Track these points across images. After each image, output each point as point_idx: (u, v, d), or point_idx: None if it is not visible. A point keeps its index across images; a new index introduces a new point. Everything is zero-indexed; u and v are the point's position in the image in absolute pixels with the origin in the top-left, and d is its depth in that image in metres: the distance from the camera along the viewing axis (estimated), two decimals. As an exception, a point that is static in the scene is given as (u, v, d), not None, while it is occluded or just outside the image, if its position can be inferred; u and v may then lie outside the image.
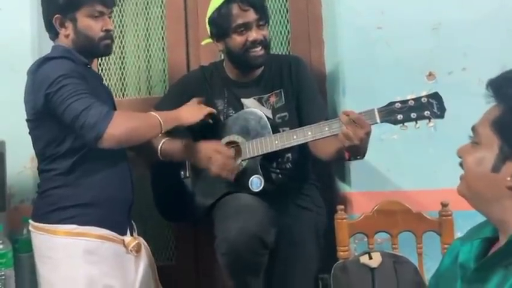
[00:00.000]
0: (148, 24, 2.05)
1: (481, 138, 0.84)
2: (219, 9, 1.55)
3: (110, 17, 1.49)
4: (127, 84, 2.04)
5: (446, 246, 1.53)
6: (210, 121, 1.59)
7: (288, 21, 1.99)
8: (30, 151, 1.63)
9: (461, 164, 0.89)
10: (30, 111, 1.43)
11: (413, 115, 1.37)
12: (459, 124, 1.67)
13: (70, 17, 1.43)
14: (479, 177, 0.83)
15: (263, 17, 1.57)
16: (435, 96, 1.38)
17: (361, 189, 1.76)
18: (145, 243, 1.54)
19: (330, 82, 1.89)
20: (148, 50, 2.05)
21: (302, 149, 1.64)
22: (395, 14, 1.75)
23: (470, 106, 1.66)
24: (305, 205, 1.65)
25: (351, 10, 1.79)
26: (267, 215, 1.45)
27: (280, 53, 1.96)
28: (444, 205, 1.55)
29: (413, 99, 1.39)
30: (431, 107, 1.36)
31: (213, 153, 1.47)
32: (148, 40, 2.05)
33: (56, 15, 1.43)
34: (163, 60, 2.03)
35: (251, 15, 1.54)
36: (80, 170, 1.41)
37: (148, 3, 2.05)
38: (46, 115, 1.38)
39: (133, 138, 1.39)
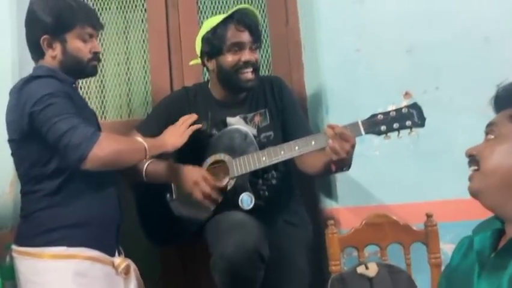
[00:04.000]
0: (128, 47, 2.06)
1: (501, 131, 0.89)
2: (215, 28, 1.58)
3: (97, 39, 1.50)
4: (108, 106, 2.02)
5: (433, 256, 1.58)
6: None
7: (269, 45, 2.05)
8: (9, 176, 1.57)
9: (471, 162, 0.93)
10: (14, 131, 1.38)
11: (396, 125, 1.43)
12: (435, 139, 1.80)
13: (60, 38, 1.42)
14: (501, 165, 0.87)
15: (257, 40, 1.61)
16: (415, 106, 1.44)
17: (346, 204, 1.79)
18: (134, 265, 1.50)
19: (312, 102, 1.95)
20: (128, 73, 2.05)
21: (287, 166, 1.67)
22: (371, 37, 1.85)
23: (444, 122, 1.79)
24: (293, 221, 1.67)
25: (330, 34, 1.87)
26: (261, 229, 1.45)
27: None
28: (429, 216, 1.60)
29: (394, 110, 1.44)
30: (411, 116, 1.42)
31: (200, 180, 1.48)
32: (128, 63, 2.06)
33: (44, 36, 1.41)
34: (146, 83, 2.03)
35: (246, 37, 1.58)
36: (68, 190, 1.37)
37: (127, 27, 2.07)
38: (31, 134, 1.34)
39: (118, 161, 1.37)
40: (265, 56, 2.06)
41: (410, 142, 1.80)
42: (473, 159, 0.93)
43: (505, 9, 1.84)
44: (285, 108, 1.69)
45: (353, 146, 1.39)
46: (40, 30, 1.42)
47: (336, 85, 1.85)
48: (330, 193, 1.84)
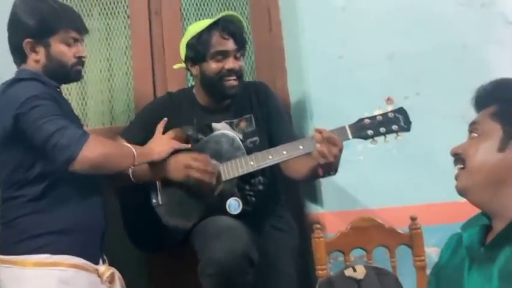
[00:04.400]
0: (111, 54, 2.04)
1: (484, 129, 0.92)
2: (199, 34, 1.58)
3: (82, 44, 1.48)
4: (90, 113, 1.99)
5: (417, 258, 1.60)
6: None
7: (252, 52, 2.07)
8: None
9: (456, 161, 0.95)
10: None
11: (382, 129, 1.45)
12: (416, 144, 1.84)
13: (43, 42, 1.39)
14: (486, 162, 0.89)
15: (241, 48, 1.61)
16: (401, 111, 1.47)
17: (332, 209, 1.80)
18: (119, 273, 1.46)
19: (296, 108, 1.96)
20: (111, 79, 2.03)
21: (273, 171, 1.67)
22: (354, 44, 1.88)
23: (425, 127, 1.83)
24: (280, 226, 1.67)
25: (313, 42, 1.90)
26: (249, 234, 1.44)
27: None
28: (413, 219, 1.62)
29: (380, 114, 1.47)
30: (398, 121, 1.45)
31: (191, 161, 1.46)
32: (111, 70, 2.04)
33: (27, 40, 1.39)
34: (129, 90, 2.01)
35: (230, 45, 1.58)
36: (52, 195, 1.34)
37: (110, 34, 2.05)
38: (15, 138, 1.31)
39: (106, 165, 1.35)
40: (249, 63, 2.07)
41: (392, 147, 1.82)
42: (459, 157, 0.95)
43: (481, 17, 1.90)
44: (270, 113, 1.69)
45: (340, 150, 1.40)
46: (23, 33, 1.39)
47: (320, 92, 1.87)
48: (316, 198, 1.85)
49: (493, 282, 0.83)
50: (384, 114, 1.46)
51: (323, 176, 1.50)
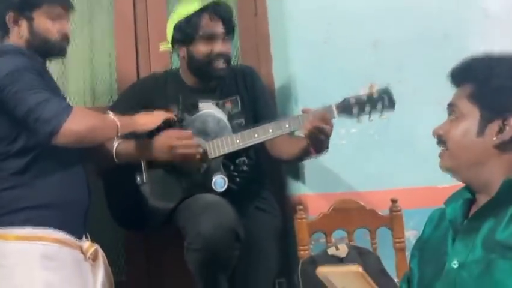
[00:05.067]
0: (93, 33, 2.00)
1: (462, 110, 0.93)
2: (188, 17, 1.58)
3: (67, 20, 1.45)
4: (71, 92, 1.95)
5: (397, 240, 1.64)
6: (169, 125, 1.57)
7: (238, 37, 2.06)
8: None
9: (439, 142, 0.96)
10: None
11: (367, 108, 1.48)
12: (398, 130, 1.88)
13: (26, 15, 1.37)
14: (466, 145, 0.91)
15: (230, 32, 1.62)
16: (386, 91, 1.50)
17: (314, 191, 1.83)
18: (102, 251, 1.45)
19: (281, 93, 1.97)
20: (93, 59, 1.99)
21: (257, 153, 1.68)
22: (339, 30, 1.90)
23: (406, 114, 1.86)
24: (263, 207, 1.68)
25: (299, 27, 1.91)
26: (235, 211, 1.44)
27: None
28: (393, 201, 1.66)
29: (365, 94, 1.50)
30: (382, 100, 1.48)
31: (174, 140, 1.45)
32: (92, 49, 2.00)
33: (10, 13, 1.37)
34: (111, 70, 1.98)
35: (219, 28, 1.59)
36: (35, 169, 1.31)
37: (92, 13, 2.01)
38: None
39: (90, 137, 1.33)
40: (234, 48, 2.06)
41: (375, 132, 1.86)
42: (441, 139, 0.96)
43: (462, 9, 1.95)
44: (256, 98, 1.71)
45: (332, 127, 1.43)
46: (6, 5, 1.37)
47: (305, 77, 1.88)
48: (298, 180, 1.86)
49: (476, 252, 0.86)
50: (369, 94, 1.49)
51: (316, 155, 1.52)
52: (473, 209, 0.93)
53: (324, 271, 0.91)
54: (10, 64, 1.29)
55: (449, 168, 0.95)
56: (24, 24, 1.38)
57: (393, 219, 1.65)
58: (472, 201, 0.95)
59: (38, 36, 1.38)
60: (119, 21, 1.98)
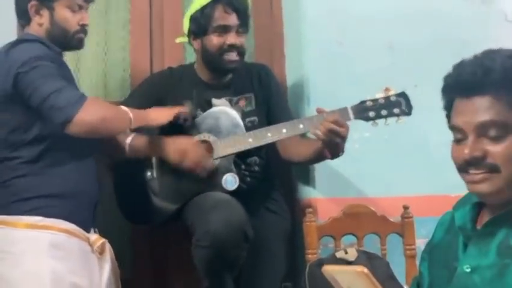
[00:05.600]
0: (108, 27, 2.00)
1: (507, 123, 0.82)
2: (203, 7, 1.57)
3: (86, 12, 1.46)
4: (83, 87, 1.93)
5: (408, 247, 1.61)
6: (182, 122, 1.56)
7: (252, 35, 2.04)
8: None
9: (473, 165, 0.84)
10: None
11: (384, 112, 1.46)
12: (412, 136, 1.85)
13: (48, 5, 1.39)
14: None
15: (244, 24, 1.61)
16: (403, 95, 1.48)
17: (324, 195, 1.80)
18: (109, 245, 1.43)
19: (293, 93, 1.96)
20: (108, 53, 1.99)
21: (268, 154, 1.66)
22: (354, 31, 1.88)
23: (422, 120, 1.83)
24: (273, 209, 1.66)
25: (313, 27, 1.89)
26: (244, 210, 1.43)
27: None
28: (405, 208, 1.63)
29: (382, 97, 1.48)
30: (399, 104, 1.46)
31: (189, 147, 1.44)
32: (107, 43, 1.99)
33: (33, 2, 1.38)
34: (125, 65, 1.97)
35: (233, 20, 1.58)
36: (48, 159, 1.31)
37: (108, 7, 2.01)
38: (14, 98, 1.29)
39: (103, 128, 1.33)
40: (249, 46, 2.05)
41: (389, 137, 1.83)
42: (480, 162, 0.83)
43: (481, 14, 1.92)
44: (271, 96, 1.69)
45: (347, 130, 1.41)
46: None
47: (318, 77, 1.86)
48: (308, 183, 1.84)
49: (489, 256, 0.84)
50: (387, 98, 1.47)
51: (332, 158, 1.50)
52: (484, 213, 0.90)
53: (330, 269, 0.90)
54: (28, 52, 1.30)
55: (498, 191, 0.83)
56: (45, 14, 1.39)
57: (404, 226, 1.62)
58: (479, 205, 0.92)
59: (58, 27, 1.40)
60: (135, 15, 1.98)
